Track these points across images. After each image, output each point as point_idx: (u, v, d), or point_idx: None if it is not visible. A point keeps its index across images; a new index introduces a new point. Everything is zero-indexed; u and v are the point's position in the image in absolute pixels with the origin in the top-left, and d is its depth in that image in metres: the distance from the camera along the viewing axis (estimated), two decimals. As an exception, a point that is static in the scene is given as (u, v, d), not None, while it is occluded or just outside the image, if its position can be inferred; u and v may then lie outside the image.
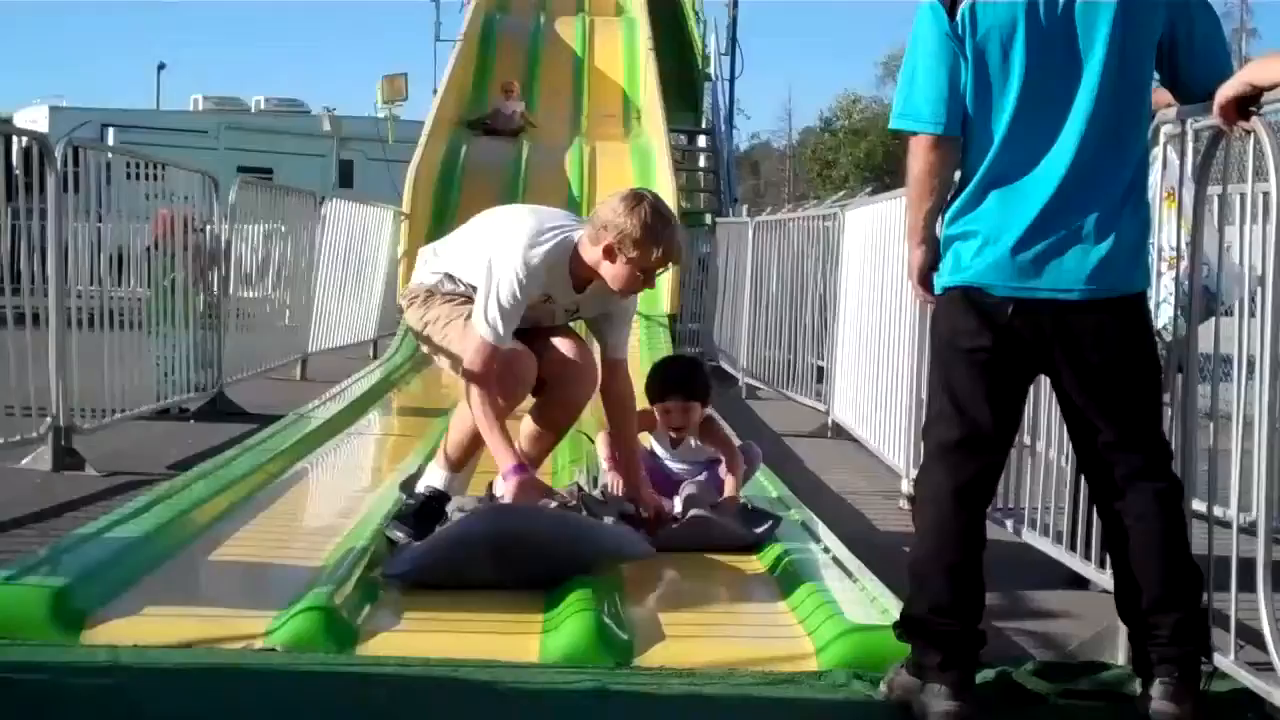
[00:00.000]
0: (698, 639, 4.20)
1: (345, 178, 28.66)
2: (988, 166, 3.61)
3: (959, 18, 3.57)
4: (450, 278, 5.33)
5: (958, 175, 3.69)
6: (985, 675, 3.84)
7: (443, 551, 4.63)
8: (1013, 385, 3.68)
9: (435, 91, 17.77)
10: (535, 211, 5.34)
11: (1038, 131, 3.57)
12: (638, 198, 4.99)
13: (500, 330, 4.96)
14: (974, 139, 3.63)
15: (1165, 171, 4.48)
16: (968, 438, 3.64)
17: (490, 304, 4.95)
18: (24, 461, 7.08)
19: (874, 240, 8.34)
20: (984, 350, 3.60)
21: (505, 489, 5.03)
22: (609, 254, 4.95)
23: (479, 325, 4.98)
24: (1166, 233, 4.55)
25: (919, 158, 3.68)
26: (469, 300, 5.18)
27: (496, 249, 5.03)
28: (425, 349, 5.61)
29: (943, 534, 3.65)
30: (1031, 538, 5.31)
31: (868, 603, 4.37)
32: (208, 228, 9.91)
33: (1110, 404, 3.60)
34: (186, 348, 9.35)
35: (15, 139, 7.87)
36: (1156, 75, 3.69)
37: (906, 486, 7.21)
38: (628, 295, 5.27)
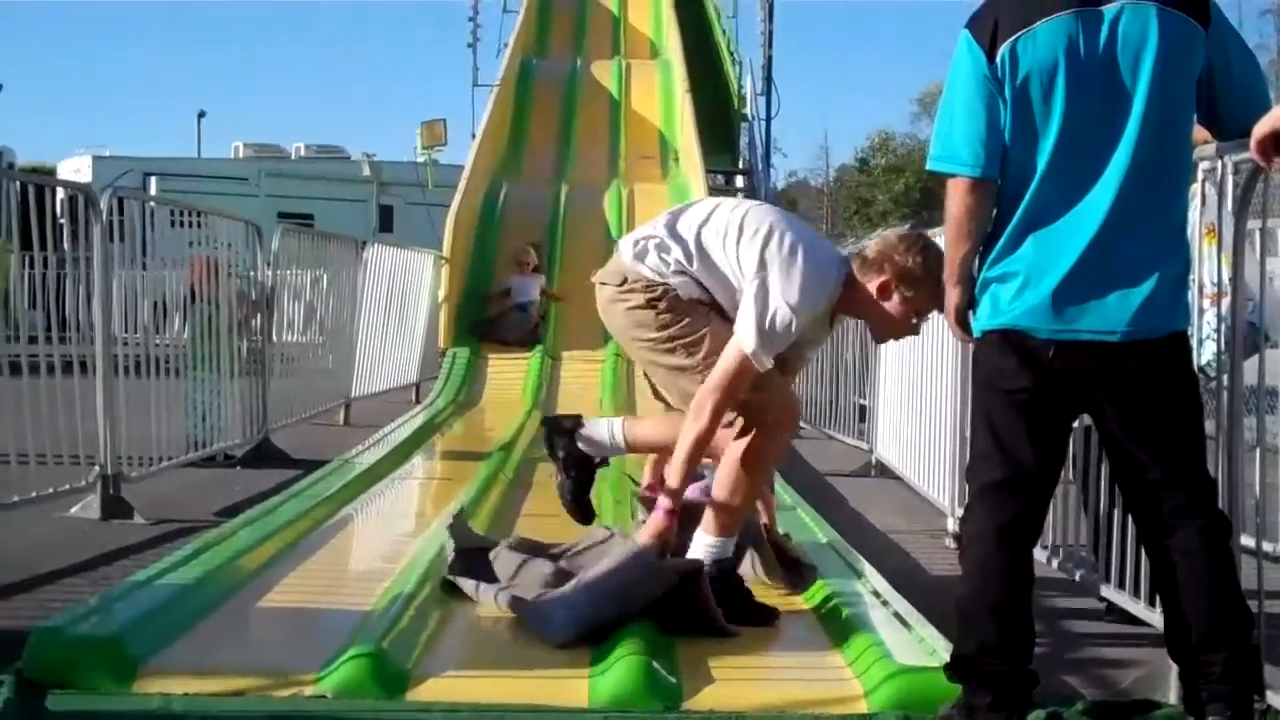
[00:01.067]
0: (746, 682, 4.20)
1: (385, 222, 28.89)
2: (1026, 207, 3.62)
3: (998, 59, 3.58)
4: (688, 276, 4.90)
5: (995, 215, 3.70)
6: (1036, 716, 3.82)
7: (607, 609, 4.60)
8: (1054, 425, 3.67)
9: (474, 136, 17.87)
10: (802, 225, 5.03)
11: (1077, 172, 3.58)
12: (920, 238, 4.86)
13: (768, 357, 4.71)
14: (1012, 180, 3.64)
15: (1204, 207, 4.47)
16: (1011, 478, 3.64)
17: (768, 326, 4.66)
18: (73, 510, 7.14)
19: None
20: (1024, 391, 3.61)
21: (650, 520, 4.82)
22: (883, 291, 4.74)
23: (748, 342, 4.66)
24: (1208, 268, 4.54)
25: (956, 200, 3.69)
26: (713, 308, 4.90)
27: (780, 267, 4.70)
28: (639, 347, 5.07)
29: (988, 574, 3.65)
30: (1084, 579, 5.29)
31: (916, 644, 4.35)
32: (251, 274, 10.01)
33: (1153, 442, 3.59)
34: (231, 394, 9.42)
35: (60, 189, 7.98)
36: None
37: (952, 525, 7.19)
38: (888, 338, 5.20)
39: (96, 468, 7.17)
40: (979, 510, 3.70)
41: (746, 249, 4.77)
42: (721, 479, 4.94)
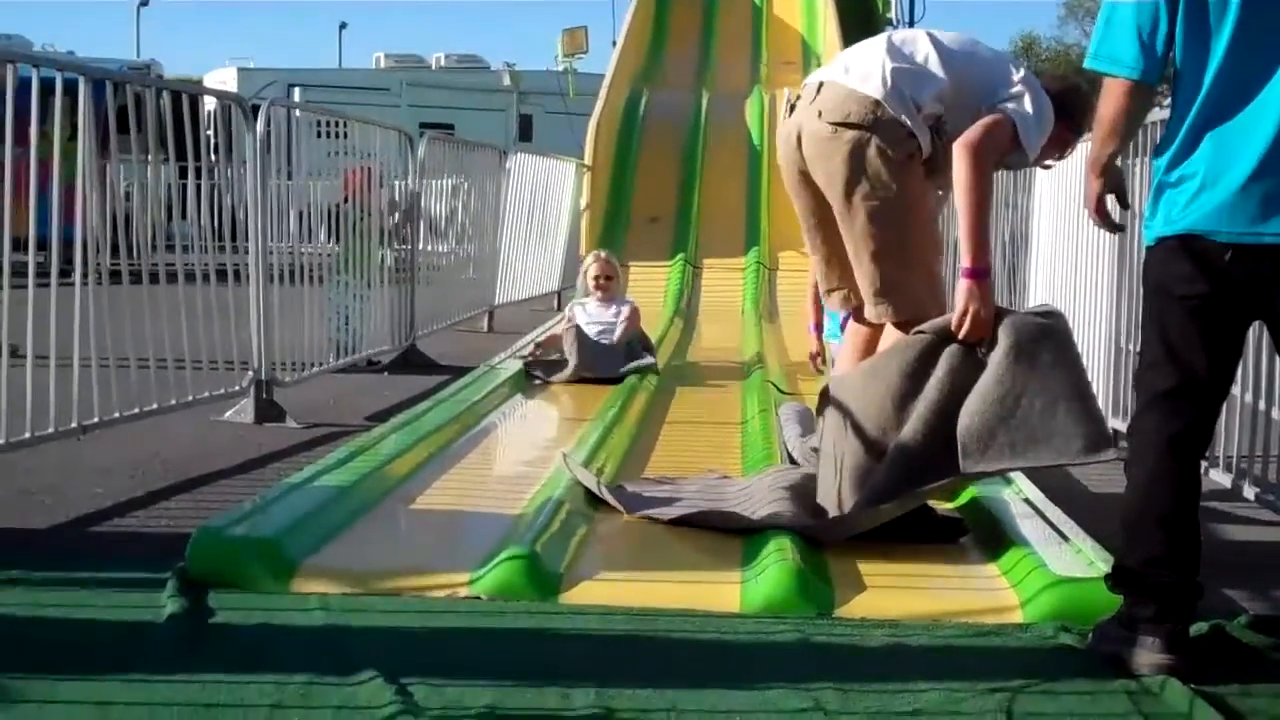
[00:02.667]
0: (899, 590, 4.16)
1: (525, 132, 28.96)
2: (1201, 107, 3.45)
3: None
4: (894, 108, 4.71)
5: (1167, 116, 3.56)
6: (1198, 628, 3.74)
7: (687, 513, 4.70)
8: (1229, 332, 3.54)
9: (614, 43, 17.80)
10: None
11: (1255, 67, 3.40)
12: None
13: (1037, 142, 4.75)
14: (1187, 78, 3.49)
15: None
16: (1181, 386, 3.52)
17: (1042, 114, 4.73)
18: (228, 414, 7.28)
19: (1068, 183, 8.13)
20: (1199, 297, 3.47)
21: (961, 290, 4.54)
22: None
23: (1025, 118, 4.67)
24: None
25: (1112, 102, 3.57)
26: (917, 148, 4.77)
27: (1032, 84, 4.77)
28: (858, 201, 4.78)
29: (1156, 484, 3.55)
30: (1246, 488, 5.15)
31: (1073, 555, 4.27)
32: (399, 184, 10.09)
33: None
34: (380, 302, 9.53)
35: (210, 100, 8.08)
36: None
37: (1105, 435, 7.04)
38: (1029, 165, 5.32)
39: (251, 373, 7.30)
40: (1148, 420, 3.59)
41: (997, 64, 4.82)
42: None
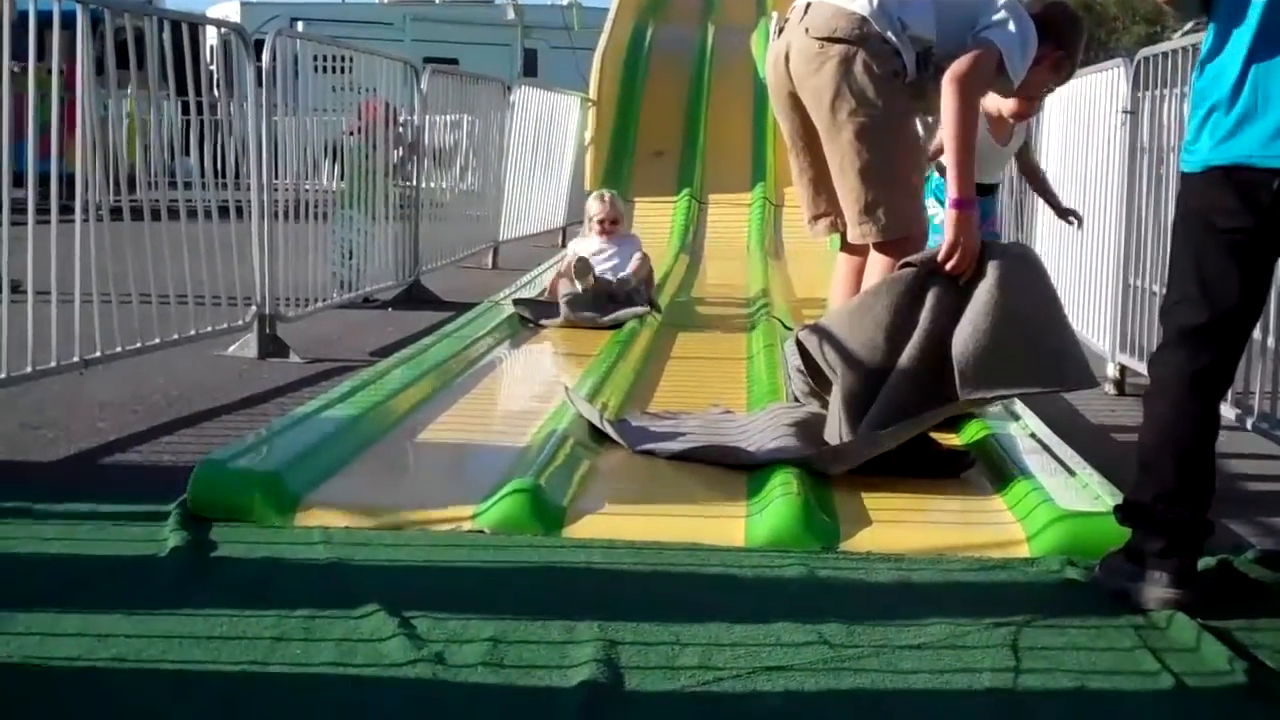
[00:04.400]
0: (904, 524, 4.14)
1: (530, 67, 28.80)
2: (1245, 31, 3.35)
3: None
4: (879, 25, 4.72)
5: (1214, 37, 3.47)
6: (1206, 563, 3.73)
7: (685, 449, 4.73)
8: (1265, 268, 3.47)
9: (620, -24, 17.62)
10: None
11: None
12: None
13: (1020, 70, 4.76)
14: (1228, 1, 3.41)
15: None
16: (1213, 322, 3.45)
17: (1025, 43, 4.75)
18: (231, 349, 7.26)
19: (1079, 114, 8.06)
20: (1243, 231, 3.39)
21: (949, 221, 4.59)
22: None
23: (1010, 46, 4.70)
24: None
25: None
26: (902, 67, 4.77)
27: (1018, 12, 4.76)
28: (843, 121, 4.77)
29: (1177, 420, 3.51)
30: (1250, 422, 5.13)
31: (1079, 488, 4.26)
32: (406, 117, 10.02)
33: None
34: (385, 237, 9.48)
35: (212, 33, 8.00)
36: None
37: (1111, 370, 7.02)
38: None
39: (254, 308, 7.27)
40: (1174, 355, 3.52)
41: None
42: None
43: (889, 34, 4.71)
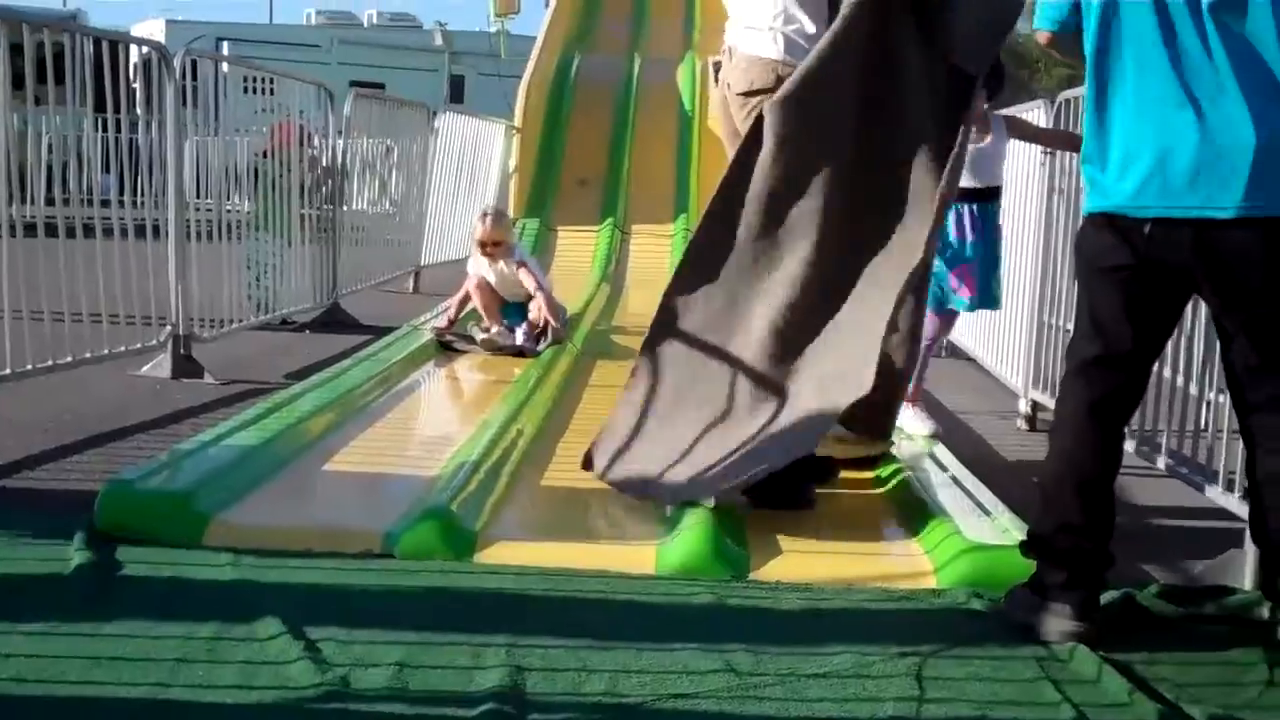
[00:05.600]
0: (815, 555, 4.17)
1: (456, 93, 28.77)
2: (1116, 89, 3.54)
3: None
4: (793, 60, 4.73)
5: (1094, 96, 3.59)
6: (1109, 597, 3.78)
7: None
8: (1154, 305, 3.56)
9: (547, 5, 17.66)
10: None
11: (1171, 45, 3.44)
12: None
13: None
14: (1102, 59, 3.55)
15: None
16: (1105, 355, 3.57)
17: None
18: (144, 369, 7.19)
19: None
20: (1124, 269, 3.53)
21: None
22: None
23: None
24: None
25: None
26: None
27: None
28: None
29: (1076, 450, 3.60)
30: (1161, 463, 5.20)
31: (987, 521, 4.31)
32: (322, 140, 9.96)
33: (1253, 327, 3.46)
34: (301, 259, 9.42)
35: (134, 51, 7.93)
36: None
37: (1024, 406, 7.11)
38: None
39: (168, 327, 7.20)
40: (1073, 386, 3.64)
41: None
42: None
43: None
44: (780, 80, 4.68)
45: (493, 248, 8.31)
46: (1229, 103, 3.37)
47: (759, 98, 4.75)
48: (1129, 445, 5.38)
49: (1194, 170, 3.40)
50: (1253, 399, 3.52)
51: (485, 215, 8.55)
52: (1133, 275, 3.53)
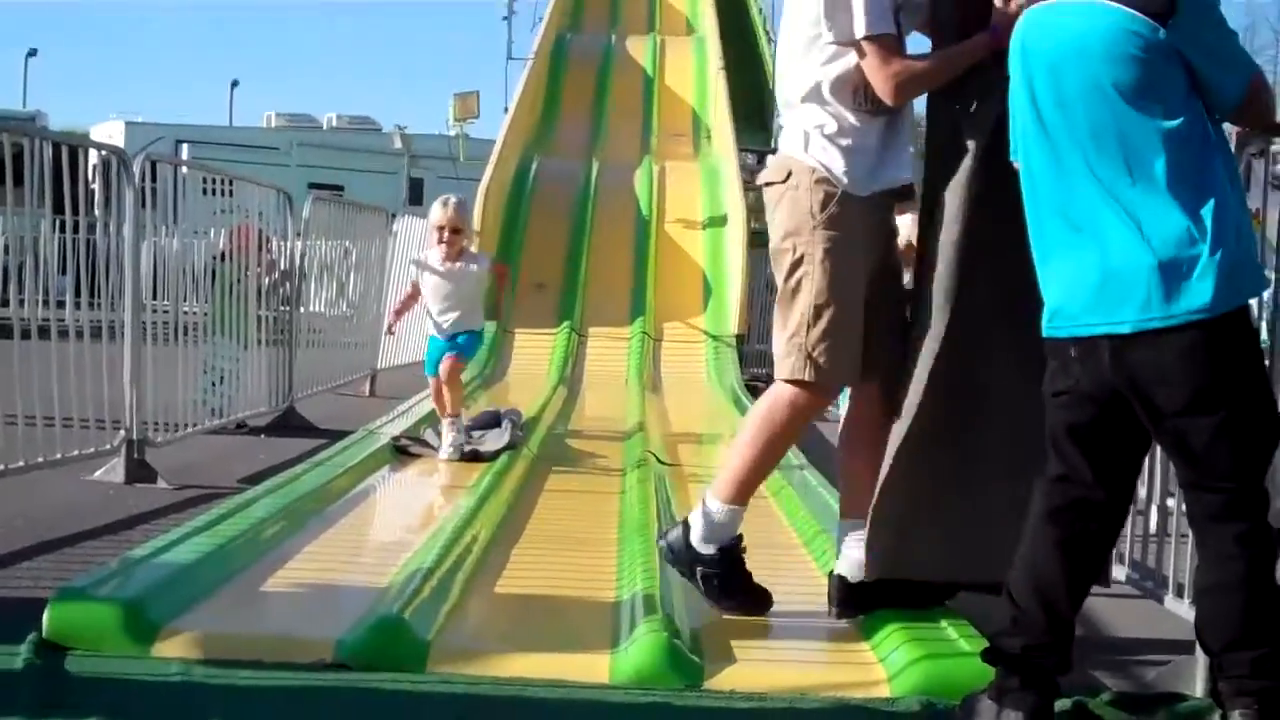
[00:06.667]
0: (768, 663, 4.17)
1: (416, 195, 28.92)
2: (1034, 216, 3.68)
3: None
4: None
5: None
6: (1062, 705, 3.79)
7: None
8: (1099, 426, 3.60)
9: (506, 110, 17.85)
10: None
11: (1066, 164, 3.58)
12: None
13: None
14: (1025, 185, 3.71)
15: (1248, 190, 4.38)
16: (1064, 476, 3.64)
17: None
18: (97, 473, 7.14)
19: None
20: (1063, 393, 3.62)
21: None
22: None
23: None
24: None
25: None
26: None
27: None
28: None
29: (1036, 558, 3.65)
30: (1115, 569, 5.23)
31: (940, 629, 4.31)
32: (280, 243, 10.00)
33: (1180, 444, 3.51)
34: (258, 363, 9.41)
35: (93, 153, 7.97)
36: None
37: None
38: None
39: (122, 432, 7.17)
40: (1036, 497, 3.71)
41: None
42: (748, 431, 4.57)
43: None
44: (790, 174, 4.43)
45: (452, 235, 7.88)
46: (1116, 221, 3.47)
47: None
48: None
49: (1095, 289, 3.50)
50: (1193, 513, 3.58)
51: (446, 200, 8.07)
52: (1073, 397, 3.60)
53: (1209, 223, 3.41)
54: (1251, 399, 3.48)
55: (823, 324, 4.34)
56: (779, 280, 4.49)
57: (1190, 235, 3.40)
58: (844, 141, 4.37)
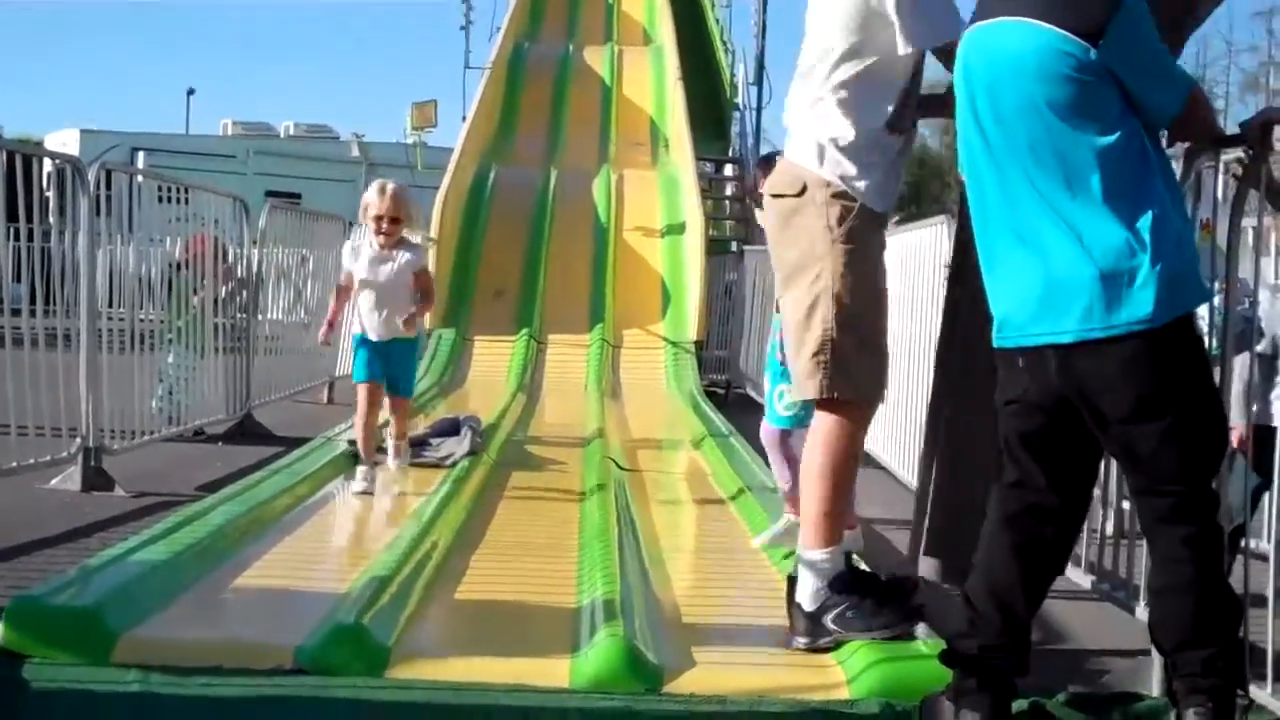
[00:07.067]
0: (728, 665, 4.17)
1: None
2: (978, 227, 3.76)
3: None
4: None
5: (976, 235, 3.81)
6: (1019, 705, 3.82)
7: None
8: (1050, 434, 3.65)
9: (464, 118, 17.84)
10: None
11: (1008, 178, 3.63)
12: None
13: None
14: (968, 198, 3.81)
15: (1199, 203, 4.44)
16: (1017, 482, 3.70)
17: None
18: (54, 482, 7.11)
19: (904, 268, 8.31)
20: (1013, 402, 3.68)
21: None
22: None
23: None
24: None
25: None
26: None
27: None
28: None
29: (992, 563, 3.71)
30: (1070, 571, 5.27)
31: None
32: (237, 251, 9.98)
33: (1126, 450, 3.55)
34: (215, 370, 9.38)
35: (48, 161, 7.94)
36: None
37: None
38: None
39: (78, 439, 7.13)
40: (992, 507, 3.76)
41: None
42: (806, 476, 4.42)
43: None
44: (805, 188, 4.32)
45: (390, 226, 6.93)
46: (1058, 233, 3.52)
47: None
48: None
49: (1040, 300, 3.55)
50: (1143, 517, 3.63)
51: (384, 186, 7.07)
52: (1023, 406, 3.66)
53: (1148, 235, 3.45)
54: (1196, 405, 3.53)
55: (849, 339, 4.26)
56: (791, 296, 4.36)
57: (1130, 247, 3.45)
58: (865, 157, 4.27)
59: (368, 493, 6.86)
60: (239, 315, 10.01)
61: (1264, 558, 4.01)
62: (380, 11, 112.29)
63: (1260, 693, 3.79)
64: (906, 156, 4.47)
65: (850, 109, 4.27)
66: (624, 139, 17.91)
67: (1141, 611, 4.62)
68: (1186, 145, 4.07)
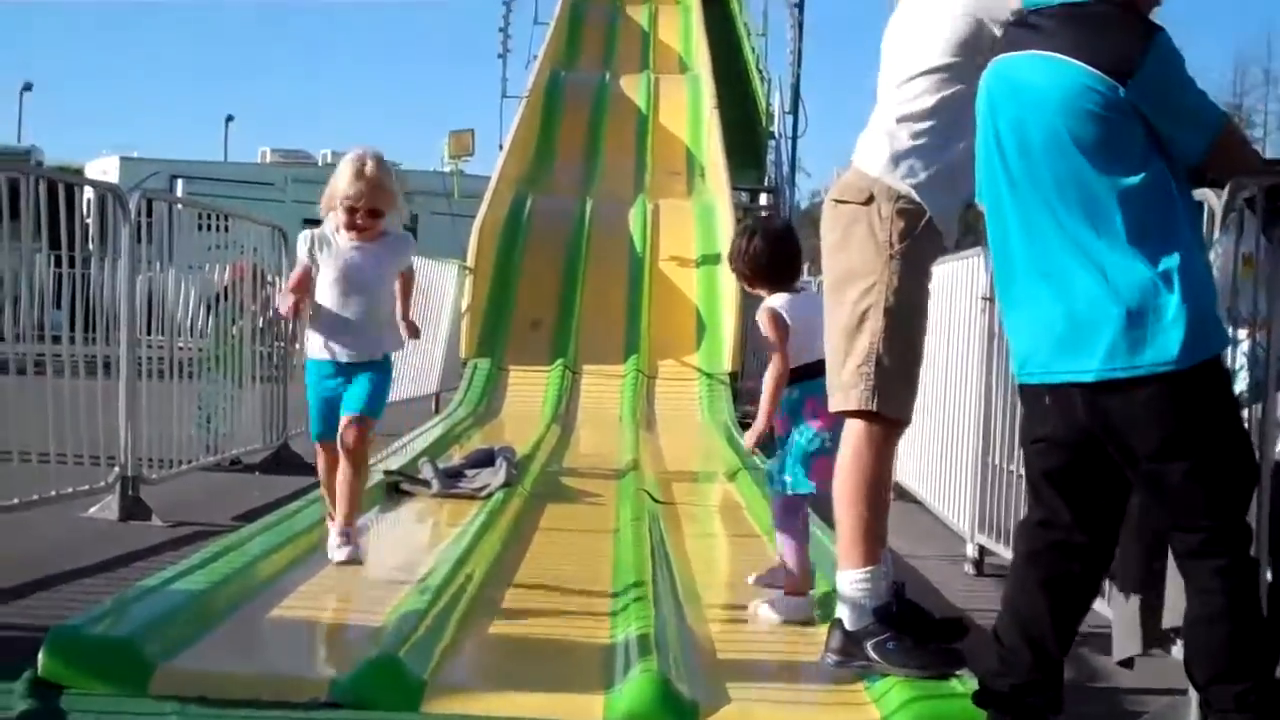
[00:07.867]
0: (762, 703, 4.17)
1: (409, 232, 28.90)
2: (998, 264, 3.76)
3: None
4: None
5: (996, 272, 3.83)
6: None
7: None
8: (1076, 471, 3.64)
9: (501, 147, 17.90)
10: None
11: (1032, 212, 3.62)
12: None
13: None
14: (987, 229, 3.79)
15: (1241, 237, 4.40)
16: (1045, 520, 3.69)
17: None
18: (91, 510, 7.14)
19: (939, 301, 8.28)
20: (1040, 440, 3.69)
21: None
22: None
23: None
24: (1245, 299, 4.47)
25: None
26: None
27: None
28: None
29: (1020, 600, 3.70)
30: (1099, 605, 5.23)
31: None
32: (276, 279, 10.02)
33: (1155, 486, 3.55)
34: (252, 400, 9.42)
35: (89, 189, 7.99)
36: None
37: (971, 550, 7.14)
38: None
39: (116, 469, 7.17)
40: (1018, 544, 3.78)
41: None
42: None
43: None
44: (871, 198, 4.31)
45: (367, 219, 5.53)
46: (1082, 270, 3.51)
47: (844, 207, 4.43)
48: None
49: (1062, 337, 3.54)
50: (1173, 548, 3.65)
51: (363, 164, 5.54)
52: (1049, 444, 3.66)
53: (1176, 277, 3.45)
54: (1222, 445, 3.52)
55: (895, 355, 4.28)
56: (839, 303, 4.35)
57: (1156, 287, 3.44)
58: (942, 176, 4.29)
59: (355, 561, 5.62)
60: (277, 344, 10.06)
61: None
62: (417, 41, 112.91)
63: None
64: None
65: (939, 129, 4.29)
66: (660, 168, 17.94)
67: (1178, 650, 4.58)
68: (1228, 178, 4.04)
